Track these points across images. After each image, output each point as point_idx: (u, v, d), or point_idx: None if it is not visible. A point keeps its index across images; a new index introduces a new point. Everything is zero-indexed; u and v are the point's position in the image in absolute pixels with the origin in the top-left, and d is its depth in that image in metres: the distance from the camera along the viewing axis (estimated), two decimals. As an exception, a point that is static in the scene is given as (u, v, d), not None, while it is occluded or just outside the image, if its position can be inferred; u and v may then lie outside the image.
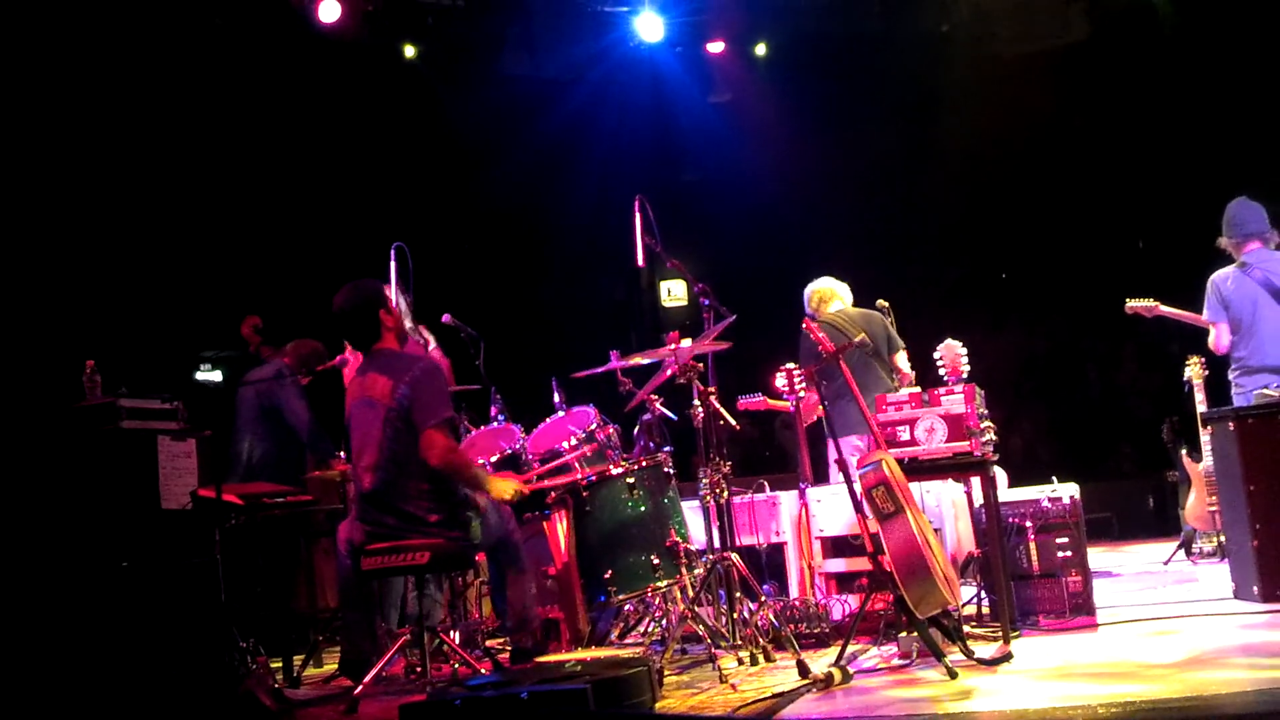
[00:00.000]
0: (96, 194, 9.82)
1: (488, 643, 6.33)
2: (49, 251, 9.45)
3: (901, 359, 7.45)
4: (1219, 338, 7.48)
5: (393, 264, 6.92)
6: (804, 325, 6.03)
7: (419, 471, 5.38)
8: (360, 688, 5.31)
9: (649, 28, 11.33)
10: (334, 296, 5.67)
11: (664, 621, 6.10)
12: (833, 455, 6.51)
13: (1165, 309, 8.05)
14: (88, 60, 9.55)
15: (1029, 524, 6.20)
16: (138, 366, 7.62)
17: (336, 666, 6.12)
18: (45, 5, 9.26)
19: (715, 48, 12.20)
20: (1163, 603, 6.71)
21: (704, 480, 6.02)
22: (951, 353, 5.99)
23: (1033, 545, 6.18)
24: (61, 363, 7.03)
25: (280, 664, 6.30)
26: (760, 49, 12.34)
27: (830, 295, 7.59)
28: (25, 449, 6.25)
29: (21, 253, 9.27)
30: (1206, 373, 8.21)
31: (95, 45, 9.56)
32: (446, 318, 7.05)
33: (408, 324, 6.42)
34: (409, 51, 11.67)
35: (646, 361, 6.45)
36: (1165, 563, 8.66)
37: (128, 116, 9.91)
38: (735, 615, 5.79)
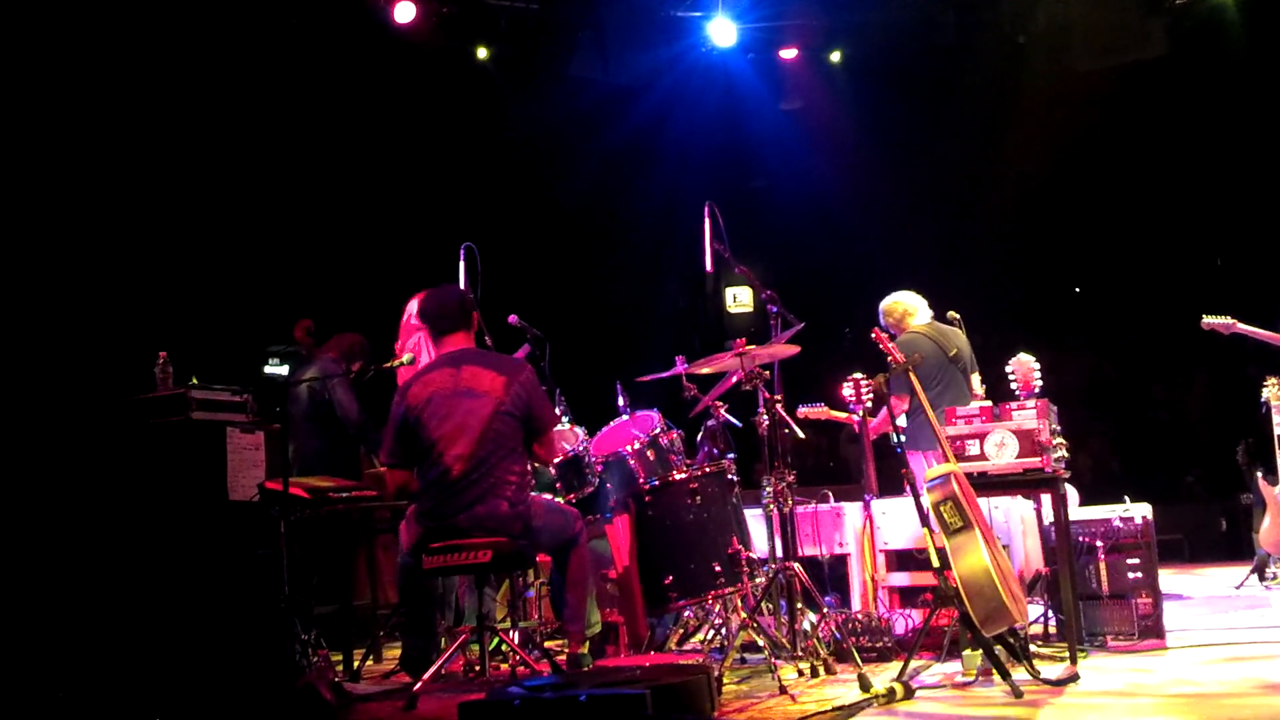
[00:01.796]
0: (172, 187, 9.96)
1: (546, 644, 6.32)
2: (124, 243, 9.60)
3: (976, 380, 7.35)
4: None
5: (461, 264, 6.95)
6: (874, 335, 5.95)
7: (509, 465, 5.48)
8: (419, 684, 5.32)
9: (722, 33, 11.30)
10: (426, 291, 5.87)
11: (724, 630, 6.05)
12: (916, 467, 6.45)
13: (1243, 327, 7.89)
14: (163, 57, 9.69)
15: (1099, 543, 6.10)
16: (208, 359, 7.71)
17: (396, 662, 6.16)
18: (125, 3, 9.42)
19: (788, 54, 12.12)
20: (1234, 628, 6.56)
21: (768, 489, 5.98)
22: (1024, 367, 5.90)
23: (1103, 565, 6.07)
24: (134, 353, 7.14)
25: (341, 658, 6.34)
26: (835, 57, 12.24)
27: (913, 309, 7.48)
28: (95, 438, 6.35)
29: (98, 244, 9.43)
30: (1285, 394, 8.03)
31: (175, 43, 9.70)
32: (513, 318, 7.06)
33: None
34: (481, 54, 11.71)
35: (710, 371, 6.42)
36: (1237, 587, 8.48)
37: (203, 112, 10.04)
38: (796, 626, 5.74)
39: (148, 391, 6.32)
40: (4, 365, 8.41)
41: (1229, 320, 7.97)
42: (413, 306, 6.89)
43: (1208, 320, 8.07)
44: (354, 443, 7.62)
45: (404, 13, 10.54)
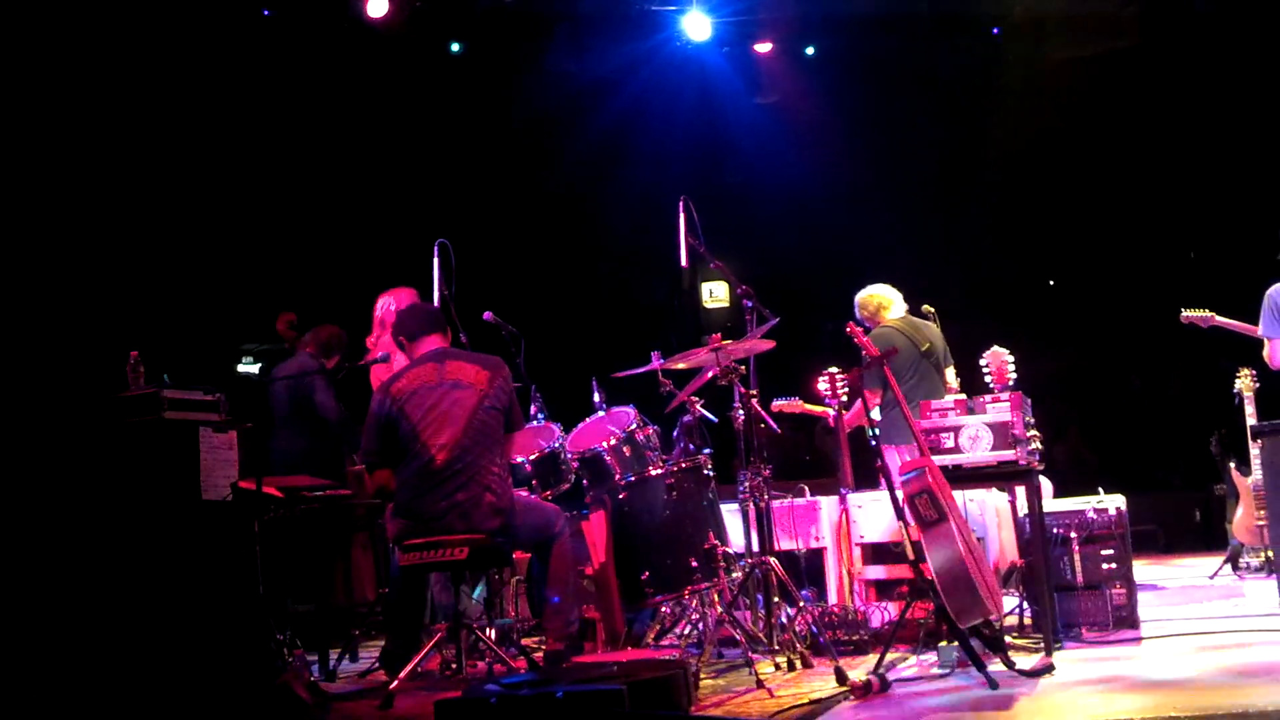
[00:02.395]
0: (142, 185, 9.89)
1: (523, 641, 6.31)
2: (95, 242, 9.52)
3: (950, 373, 7.37)
4: (1275, 353, 7.31)
5: (435, 260, 6.93)
6: (848, 329, 5.97)
7: (492, 458, 5.53)
8: (396, 682, 5.31)
9: (696, 27, 11.26)
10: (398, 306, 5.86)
11: (700, 625, 6.06)
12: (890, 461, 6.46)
13: (1221, 320, 7.93)
14: (134, 50, 9.61)
15: (1074, 535, 6.12)
16: (180, 358, 7.66)
17: (373, 660, 6.14)
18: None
19: (763, 48, 12.11)
20: (1208, 617, 6.60)
21: (744, 483, 5.98)
22: (998, 360, 5.91)
23: (1077, 556, 6.10)
24: (105, 353, 7.08)
25: (317, 657, 6.31)
26: (809, 50, 12.24)
27: (888, 302, 7.50)
28: (68, 438, 6.30)
29: (68, 243, 9.36)
30: (1258, 385, 8.07)
31: (147, 38, 9.63)
32: (488, 315, 7.04)
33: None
34: (455, 47, 11.68)
35: (686, 366, 6.41)
36: (1211, 577, 8.53)
37: (175, 107, 9.97)
38: (773, 620, 5.75)
39: (119, 391, 6.27)
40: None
41: (1207, 313, 8.01)
42: (383, 302, 6.87)
43: (1187, 314, 8.11)
44: (338, 440, 7.59)
45: (376, 7, 10.49)
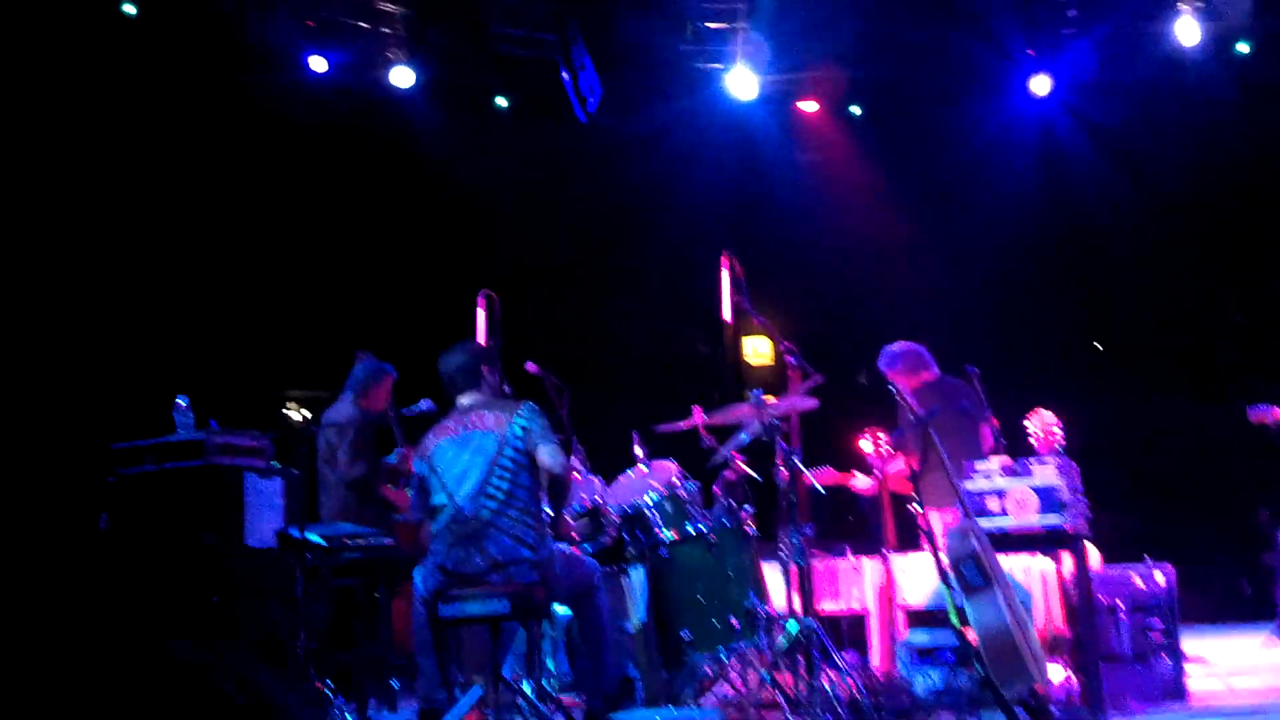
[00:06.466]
0: (192, 229, 10.04)
1: (562, 697, 6.26)
2: (145, 285, 9.66)
3: (986, 433, 7.28)
4: None
5: (480, 311, 6.96)
6: (892, 390, 5.93)
7: (525, 507, 5.47)
8: (433, 737, 5.28)
9: (742, 86, 11.33)
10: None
11: (741, 686, 5.99)
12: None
13: None
14: (190, 102, 9.82)
15: (1121, 603, 6.03)
16: (228, 402, 7.72)
17: (413, 713, 6.11)
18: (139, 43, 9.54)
19: (808, 107, 12.17)
20: (1259, 689, 6.46)
21: (785, 542, 5.93)
22: (1044, 423, 5.86)
23: (1124, 625, 6.00)
24: (153, 396, 7.16)
25: (355, 706, 6.29)
26: (855, 109, 12.30)
27: (920, 363, 7.46)
28: (113, 481, 6.35)
29: (118, 285, 9.49)
30: (1307, 454, 7.98)
31: (198, 93, 9.84)
32: (531, 366, 7.06)
33: None
34: (502, 102, 11.85)
35: (728, 422, 6.39)
36: (1262, 648, 8.37)
37: (226, 151, 10.15)
38: (814, 683, 5.68)
39: (166, 435, 6.33)
40: (22, 407, 8.46)
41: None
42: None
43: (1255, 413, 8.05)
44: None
45: (402, 78, 10.79)
